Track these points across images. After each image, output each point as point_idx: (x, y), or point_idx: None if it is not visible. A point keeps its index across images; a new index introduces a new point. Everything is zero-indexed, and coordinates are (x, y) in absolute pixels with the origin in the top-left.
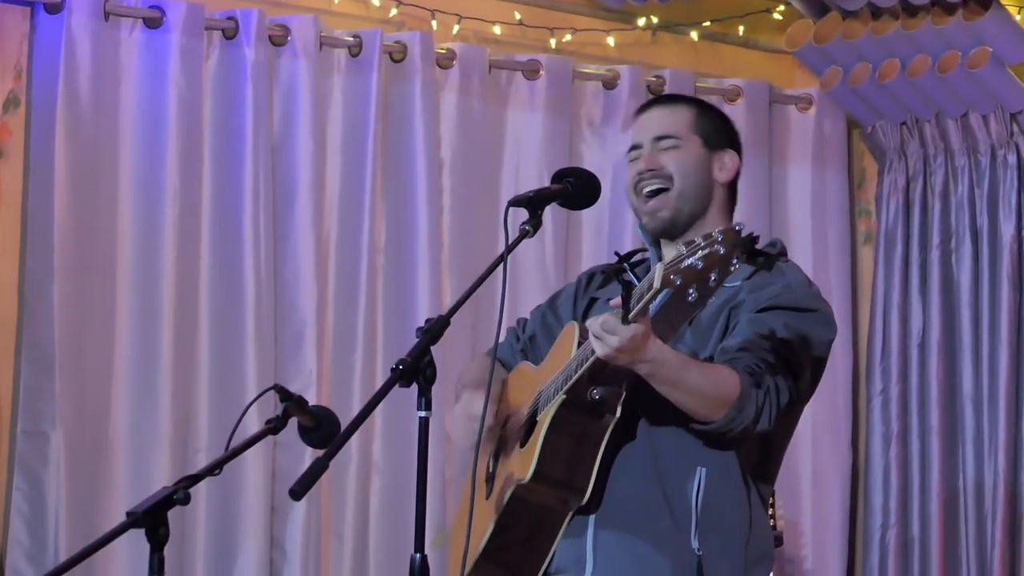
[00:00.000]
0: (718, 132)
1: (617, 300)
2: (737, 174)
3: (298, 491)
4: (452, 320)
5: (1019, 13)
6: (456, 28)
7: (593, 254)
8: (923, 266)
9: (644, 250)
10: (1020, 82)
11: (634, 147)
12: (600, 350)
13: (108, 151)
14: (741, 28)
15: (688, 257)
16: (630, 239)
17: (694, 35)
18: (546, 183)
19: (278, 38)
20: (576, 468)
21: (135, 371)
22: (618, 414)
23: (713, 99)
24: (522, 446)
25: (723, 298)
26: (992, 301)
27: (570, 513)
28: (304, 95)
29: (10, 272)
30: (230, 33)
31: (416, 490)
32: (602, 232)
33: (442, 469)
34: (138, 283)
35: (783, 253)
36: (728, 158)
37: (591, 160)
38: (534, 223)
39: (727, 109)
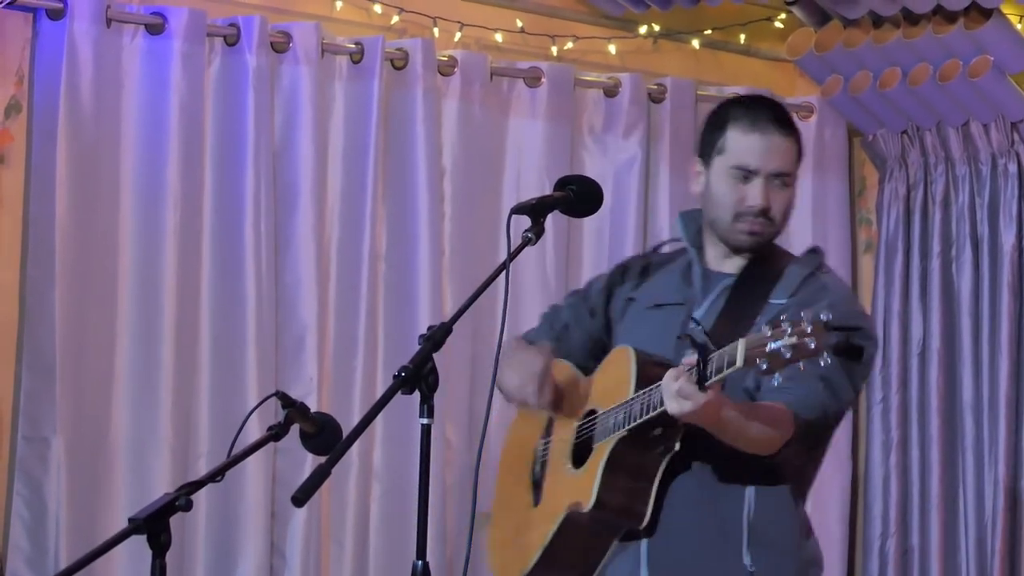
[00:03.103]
0: (800, 162)
1: (691, 359)
2: None
3: (301, 498)
4: (453, 327)
5: (1020, 22)
6: (458, 35)
7: (594, 261)
8: (923, 275)
9: (676, 240)
10: (1021, 91)
11: (744, 168)
12: (672, 409)
13: (109, 157)
14: (742, 36)
15: (773, 341)
16: (631, 246)
17: (695, 43)
18: (547, 190)
19: (280, 45)
20: (634, 498)
21: (136, 376)
22: (676, 448)
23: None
24: (576, 466)
25: (769, 317)
26: (992, 310)
27: (620, 534)
28: (306, 102)
29: (11, 277)
30: (232, 40)
31: (418, 497)
32: (603, 239)
33: (442, 476)
34: (139, 289)
35: (823, 263)
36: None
37: (592, 167)
38: (537, 231)
39: None
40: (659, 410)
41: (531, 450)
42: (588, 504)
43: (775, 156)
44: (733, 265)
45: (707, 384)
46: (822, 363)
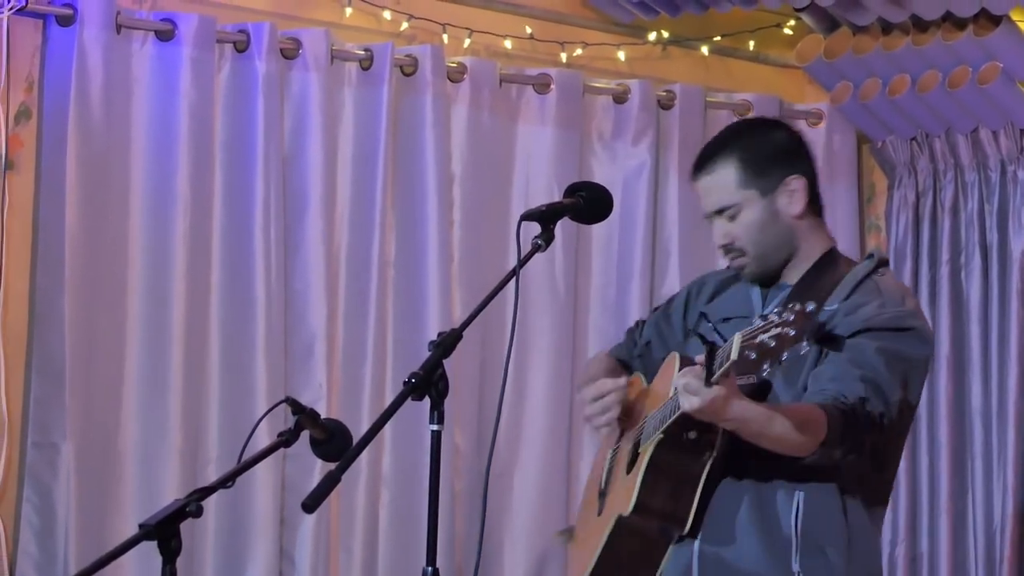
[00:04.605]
0: (771, 167)
1: (701, 357)
2: (812, 188)
3: (311, 504)
4: (463, 334)
5: None
6: (467, 42)
7: (603, 268)
8: (933, 282)
9: None
10: None
11: (704, 212)
12: (683, 406)
13: (119, 163)
14: (751, 43)
15: (762, 332)
16: (640, 253)
17: (704, 50)
18: (556, 197)
19: (289, 51)
20: (677, 502)
21: (145, 383)
22: (716, 452)
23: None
24: (628, 472)
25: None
26: (1001, 317)
27: (672, 540)
28: (315, 108)
29: (21, 284)
30: (241, 46)
31: (428, 503)
32: (612, 246)
33: (452, 482)
34: (149, 295)
35: (882, 263)
36: (793, 186)
37: (601, 174)
38: (546, 237)
39: None
40: (679, 411)
41: (605, 462)
42: (628, 509)
43: (705, 198)
44: (795, 275)
45: (712, 380)
46: (804, 348)
